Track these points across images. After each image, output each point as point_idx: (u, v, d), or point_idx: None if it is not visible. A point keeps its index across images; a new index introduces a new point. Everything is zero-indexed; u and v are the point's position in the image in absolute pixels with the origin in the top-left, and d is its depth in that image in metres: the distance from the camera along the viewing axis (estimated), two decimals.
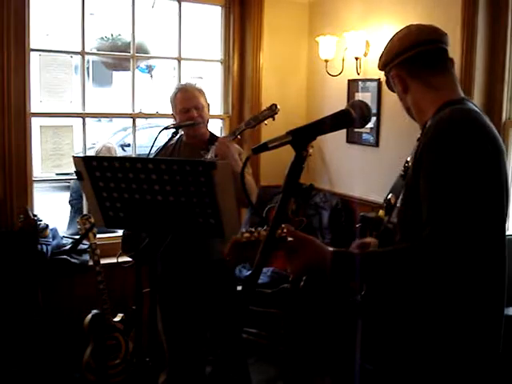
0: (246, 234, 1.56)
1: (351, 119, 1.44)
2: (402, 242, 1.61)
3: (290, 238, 1.52)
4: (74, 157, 2.28)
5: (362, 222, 3.61)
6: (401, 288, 1.60)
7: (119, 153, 9.76)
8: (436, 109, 1.64)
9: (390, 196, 1.76)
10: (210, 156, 2.78)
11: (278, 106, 2.69)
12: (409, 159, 1.70)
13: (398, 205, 1.70)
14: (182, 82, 3.21)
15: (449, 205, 1.43)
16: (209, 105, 3.07)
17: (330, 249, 1.54)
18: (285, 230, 1.51)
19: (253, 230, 1.57)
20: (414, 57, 1.70)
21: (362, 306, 1.74)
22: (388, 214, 1.69)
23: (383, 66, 1.80)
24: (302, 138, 1.35)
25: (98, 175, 2.21)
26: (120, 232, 3.45)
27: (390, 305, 1.67)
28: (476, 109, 1.63)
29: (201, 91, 3.04)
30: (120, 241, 3.05)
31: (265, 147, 1.34)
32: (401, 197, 1.67)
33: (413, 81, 1.71)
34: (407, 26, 1.77)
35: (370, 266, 1.53)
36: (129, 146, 8.26)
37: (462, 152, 1.46)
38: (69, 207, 5.17)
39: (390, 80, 1.79)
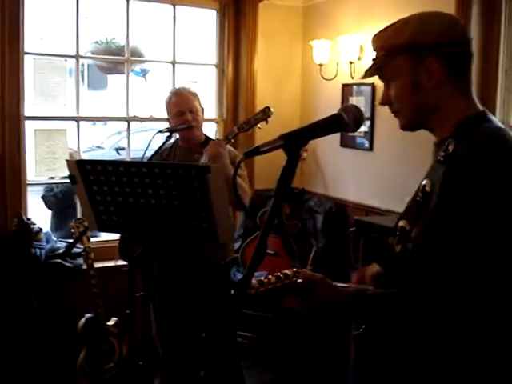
0: (256, 285, 1.49)
1: (343, 123, 1.44)
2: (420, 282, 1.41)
3: (299, 280, 1.51)
4: (67, 160, 2.28)
5: (356, 226, 3.62)
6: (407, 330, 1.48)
7: (114, 156, 9.77)
8: (457, 122, 1.47)
9: (401, 223, 1.55)
10: (203, 160, 2.78)
11: (272, 109, 2.69)
12: (425, 182, 1.49)
13: (413, 233, 1.49)
14: (176, 86, 3.21)
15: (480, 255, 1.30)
16: (203, 108, 3.08)
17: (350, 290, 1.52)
18: (295, 279, 1.50)
19: (263, 279, 1.50)
20: (461, 54, 1.49)
21: (360, 341, 1.67)
22: (401, 243, 1.51)
23: (412, 45, 1.48)
24: (294, 142, 1.34)
25: (92, 179, 2.21)
26: (114, 236, 3.44)
27: (392, 342, 1.57)
28: (502, 126, 1.48)
29: (195, 95, 3.04)
30: (114, 244, 3.04)
31: (256, 151, 1.34)
32: (420, 226, 1.47)
33: (452, 81, 1.48)
34: (438, 13, 1.53)
35: (380, 308, 1.46)
36: (123, 149, 8.25)
37: (501, 201, 1.31)
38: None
39: (395, 63, 1.52)
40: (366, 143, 4.14)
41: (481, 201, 1.30)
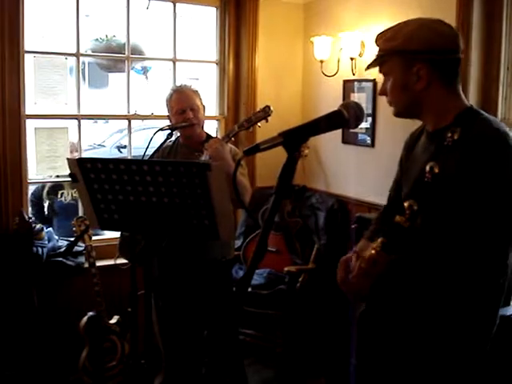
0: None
1: (344, 120, 1.44)
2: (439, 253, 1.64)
3: None
4: (68, 159, 2.28)
5: (358, 223, 3.61)
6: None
7: (115, 155, 9.76)
8: (455, 114, 1.70)
9: (409, 202, 1.66)
10: (204, 158, 2.77)
11: (272, 108, 2.68)
12: (431, 164, 1.65)
13: (424, 211, 1.65)
14: (177, 84, 3.20)
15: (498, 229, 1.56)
16: (204, 106, 3.07)
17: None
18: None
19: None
20: (450, 61, 1.72)
21: (362, 320, 1.75)
22: (411, 220, 1.63)
23: (403, 50, 1.70)
24: (294, 139, 1.35)
25: (93, 177, 2.20)
26: (115, 234, 3.44)
27: (394, 310, 1.72)
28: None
29: (196, 92, 3.04)
30: (116, 243, 3.04)
31: (256, 149, 1.34)
32: (432, 204, 1.65)
33: (441, 83, 1.72)
34: (437, 21, 1.76)
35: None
36: (125, 147, 8.24)
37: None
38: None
39: (391, 62, 1.74)
40: (368, 139, 4.12)
41: (501, 176, 1.56)
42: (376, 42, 1.78)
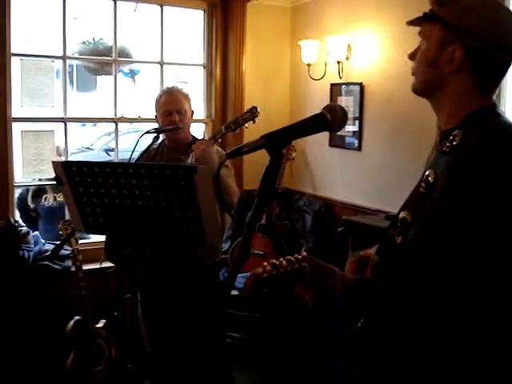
0: (269, 268, 1.38)
1: (327, 123, 1.43)
2: (422, 276, 1.41)
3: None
4: (53, 162, 2.27)
5: (345, 226, 3.62)
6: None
7: (103, 158, 9.73)
8: (465, 113, 1.45)
9: (403, 214, 1.51)
10: (190, 160, 2.77)
11: (259, 109, 2.68)
12: (428, 173, 1.46)
13: (415, 225, 1.47)
14: (169, 85, 3.17)
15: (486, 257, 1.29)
16: (193, 111, 3.07)
17: (353, 277, 1.45)
18: (304, 264, 1.41)
19: (275, 262, 1.40)
20: (490, 57, 1.43)
21: (357, 336, 1.63)
22: (402, 234, 1.48)
23: (450, 23, 1.44)
24: (276, 142, 1.33)
25: (78, 180, 2.20)
26: (102, 237, 3.43)
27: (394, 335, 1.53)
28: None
29: (186, 96, 3.03)
30: (103, 246, 3.03)
31: (239, 151, 1.33)
32: (423, 218, 1.44)
33: (470, 74, 1.45)
34: (508, 9, 1.47)
35: (384, 297, 1.41)
36: (113, 150, 8.23)
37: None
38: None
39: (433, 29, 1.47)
40: (355, 143, 4.14)
41: (488, 195, 1.29)
42: None
